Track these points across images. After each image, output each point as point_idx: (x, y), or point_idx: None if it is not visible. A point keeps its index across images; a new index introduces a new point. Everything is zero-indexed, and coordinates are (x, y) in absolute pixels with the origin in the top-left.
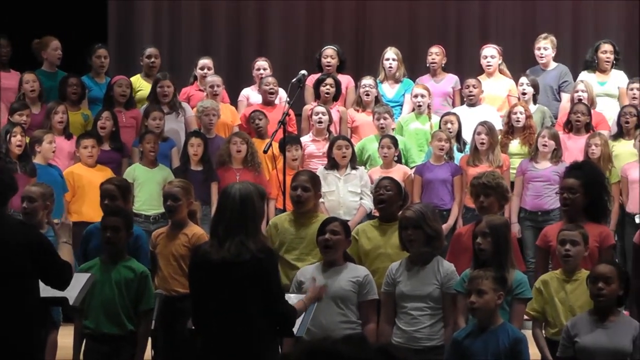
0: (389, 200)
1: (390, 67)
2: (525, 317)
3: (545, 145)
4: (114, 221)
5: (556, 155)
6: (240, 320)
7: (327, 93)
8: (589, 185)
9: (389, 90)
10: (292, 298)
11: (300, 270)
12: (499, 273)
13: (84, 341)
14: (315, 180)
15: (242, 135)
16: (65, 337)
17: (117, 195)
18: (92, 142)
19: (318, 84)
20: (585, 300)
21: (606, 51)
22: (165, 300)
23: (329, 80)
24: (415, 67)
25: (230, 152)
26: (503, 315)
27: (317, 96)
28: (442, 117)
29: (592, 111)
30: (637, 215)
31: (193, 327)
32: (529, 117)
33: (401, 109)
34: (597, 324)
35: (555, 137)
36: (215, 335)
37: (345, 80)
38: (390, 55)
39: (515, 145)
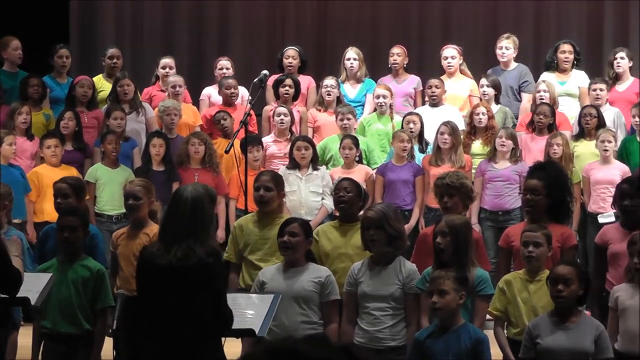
0: (348, 201)
1: (352, 67)
2: (488, 316)
3: (503, 145)
4: (71, 221)
5: (515, 154)
6: (187, 322)
7: (287, 94)
8: (551, 187)
9: (350, 90)
10: (254, 298)
11: (262, 271)
12: (460, 273)
13: (42, 341)
14: (277, 180)
15: (200, 135)
16: (25, 337)
17: (69, 194)
18: (55, 142)
19: (277, 84)
20: (548, 301)
21: (565, 51)
22: (127, 301)
23: (288, 81)
24: (377, 67)
25: (189, 153)
26: (465, 315)
27: (277, 97)
28: (404, 117)
29: (555, 111)
30: (600, 216)
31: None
32: (491, 117)
33: (363, 109)
34: (558, 325)
35: (512, 137)
36: (162, 337)
37: (307, 80)
38: (352, 55)
39: (477, 145)
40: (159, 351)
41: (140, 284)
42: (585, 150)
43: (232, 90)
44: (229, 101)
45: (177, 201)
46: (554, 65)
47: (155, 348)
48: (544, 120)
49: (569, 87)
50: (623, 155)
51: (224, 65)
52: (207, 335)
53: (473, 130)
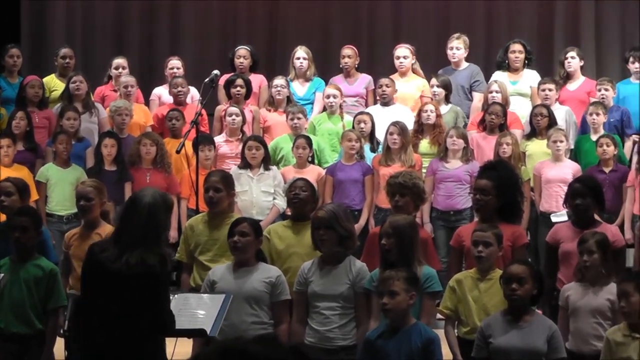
0: (303, 200)
1: (301, 66)
2: (439, 315)
3: (455, 144)
4: (22, 221)
5: (466, 154)
6: (131, 327)
7: (238, 93)
8: (502, 187)
9: (299, 89)
10: (205, 298)
11: (212, 271)
12: (411, 273)
13: None
14: (227, 180)
15: (151, 136)
16: None
17: (12, 192)
18: (7, 142)
19: (228, 84)
20: (498, 300)
21: (515, 51)
22: (79, 301)
23: (239, 81)
24: (328, 67)
25: (140, 153)
26: (413, 312)
27: (229, 96)
28: (355, 116)
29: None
30: (553, 215)
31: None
32: (439, 116)
33: (312, 107)
34: (511, 324)
35: (463, 137)
36: (105, 341)
37: (258, 80)
38: (301, 54)
39: (424, 144)
40: (99, 352)
41: (85, 284)
42: (537, 149)
43: (180, 89)
44: (178, 100)
45: (134, 207)
46: (505, 65)
47: (97, 348)
48: (496, 120)
49: (520, 87)
50: (577, 153)
51: (175, 64)
52: (146, 339)
53: (421, 128)
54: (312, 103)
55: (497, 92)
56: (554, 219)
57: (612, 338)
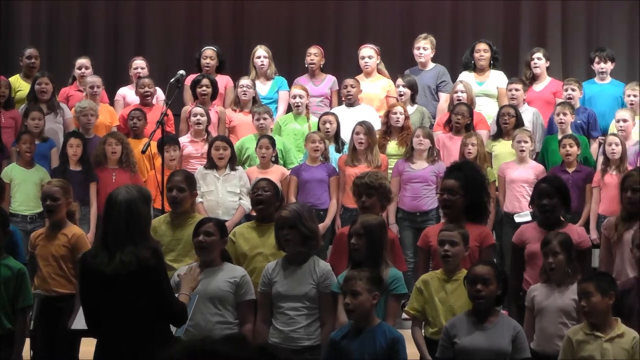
0: (266, 201)
1: (262, 65)
2: (405, 316)
3: (421, 144)
4: None
5: (432, 154)
6: (137, 326)
7: (204, 94)
8: (468, 187)
9: (261, 88)
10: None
11: (177, 271)
12: (373, 273)
13: None
14: (190, 180)
15: (116, 135)
16: None
17: None
18: None
19: (195, 84)
20: (465, 300)
21: (480, 50)
22: (44, 301)
23: (205, 81)
24: (294, 67)
25: (106, 153)
26: (379, 315)
27: (195, 97)
28: (320, 116)
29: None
30: (517, 215)
31: (73, 328)
32: (407, 118)
33: (275, 106)
34: (476, 325)
35: (430, 137)
36: (113, 341)
37: (224, 80)
38: (261, 53)
39: (392, 146)
40: (110, 355)
41: (85, 293)
42: (504, 149)
43: (147, 89)
44: (144, 101)
45: (112, 206)
46: (471, 66)
47: (105, 353)
48: (462, 121)
49: (487, 87)
50: (544, 154)
51: (139, 65)
52: (157, 337)
53: (389, 130)
54: (275, 102)
55: (462, 92)
56: (517, 219)
57: (574, 337)
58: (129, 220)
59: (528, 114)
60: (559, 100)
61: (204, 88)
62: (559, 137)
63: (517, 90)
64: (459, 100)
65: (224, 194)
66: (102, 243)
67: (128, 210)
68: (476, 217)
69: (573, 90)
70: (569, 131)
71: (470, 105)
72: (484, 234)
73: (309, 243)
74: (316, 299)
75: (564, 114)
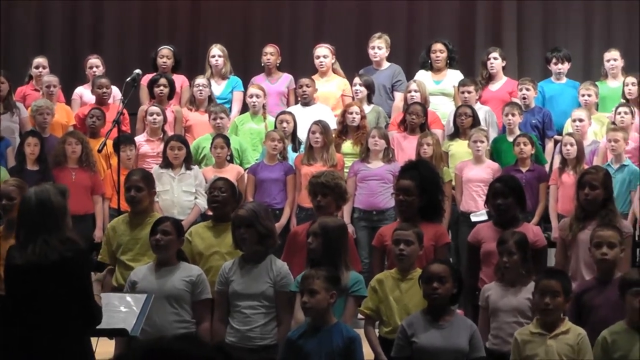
0: (222, 201)
1: (217, 64)
2: (360, 315)
3: (376, 144)
4: None
5: (388, 154)
6: (50, 319)
7: (161, 93)
8: (423, 186)
9: (216, 88)
10: (127, 298)
11: (133, 271)
12: (331, 272)
13: None
14: (148, 180)
15: (76, 135)
16: None
17: None
18: None
19: (152, 84)
20: (419, 300)
21: (436, 50)
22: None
23: (162, 81)
24: (250, 66)
25: (65, 152)
26: (339, 316)
27: (152, 96)
28: (277, 116)
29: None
30: (473, 214)
31: None
32: (363, 117)
33: (230, 105)
34: (432, 323)
35: (385, 137)
36: (29, 335)
37: (180, 80)
38: (216, 52)
39: (348, 145)
40: (26, 350)
41: (6, 285)
42: (460, 149)
43: (105, 89)
44: (101, 100)
45: (23, 202)
46: (428, 65)
47: (23, 347)
48: (416, 120)
49: (444, 86)
50: (495, 154)
51: (94, 63)
52: (74, 333)
53: (345, 129)
54: (229, 102)
55: (415, 91)
56: (473, 218)
57: (519, 337)
58: (42, 212)
59: (481, 113)
60: (514, 100)
61: (162, 87)
62: (509, 137)
63: (469, 92)
64: (412, 99)
65: (179, 194)
66: (16, 238)
67: (39, 201)
68: (431, 216)
69: (527, 89)
70: (517, 131)
71: (424, 104)
72: (439, 233)
73: (265, 242)
74: (273, 297)
75: (512, 115)
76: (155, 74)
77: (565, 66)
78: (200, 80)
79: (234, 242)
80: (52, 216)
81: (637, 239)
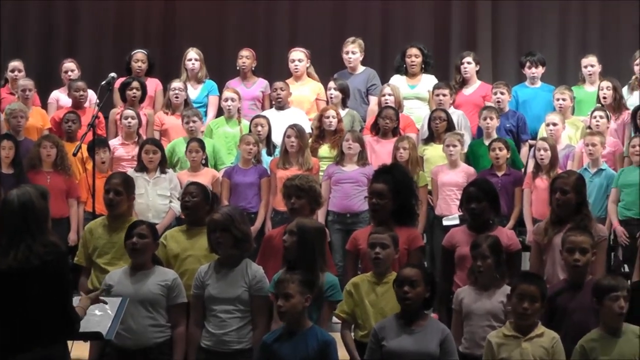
0: (194, 206)
1: (193, 68)
2: (336, 319)
3: (350, 148)
4: None
5: (362, 157)
6: (31, 325)
7: (134, 96)
8: (397, 190)
9: (191, 92)
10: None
11: (109, 274)
12: (306, 276)
13: None
14: (127, 184)
15: (51, 138)
16: None
17: None
18: None
19: (124, 87)
20: (395, 303)
21: (411, 55)
22: None
23: (135, 84)
24: (225, 70)
25: (40, 156)
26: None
27: (124, 99)
28: (252, 120)
29: (400, 115)
30: (445, 218)
31: None
32: (340, 121)
33: (205, 109)
34: (404, 328)
35: (359, 140)
36: (7, 341)
37: (154, 83)
38: (192, 55)
39: (325, 148)
40: (8, 354)
41: None
42: (435, 153)
43: (82, 92)
44: (78, 104)
45: (5, 205)
46: (402, 69)
47: (4, 351)
48: (389, 124)
49: (419, 91)
50: (471, 158)
51: (69, 67)
52: (52, 339)
53: (321, 133)
54: (205, 106)
55: (389, 95)
56: (445, 222)
57: (493, 340)
58: (24, 216)
59: (454, 117)
60: (488, 104)
61: (134, 91)
62: (486, 141)
63: (444, 95)
64: (386, 103)
65: (154, 197)
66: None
67: (22, 206)
68: (404, 220)
69: (502, 93)
70: (495, 135)
71: (397, 108)
72: (412, 237)
73: (241, 246)
74: (248, 302)
75: (490, 119)
76: (127, 77)
77: (539, 70)
78: (176, 84)
79: (210, 246)
80: (35, 219)
81: (611, 243)
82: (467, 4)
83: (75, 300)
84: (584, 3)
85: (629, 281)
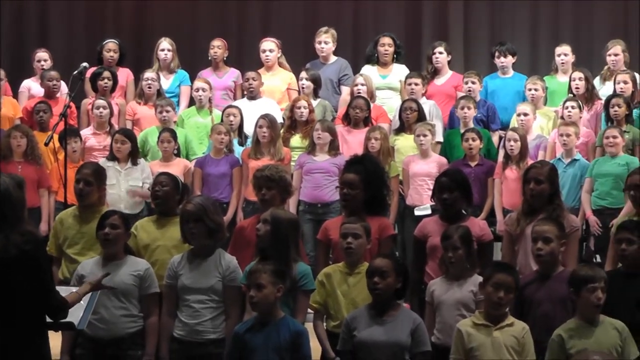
0: (164, 196)
1: (165, 58)
2: (309, 309)
3: (320, 138)
4: None
5: (333, 147)
6: (9, 314)
7: (105, 86)
8: (368, 180)
9: (163, 81)
10: (74, 290)
11: (81, 264)
12: (278, 266)
13: None
14: (99, 174)
15: (21, 128)
16: None
17: None
18: None
19: (95, 77)
20: (367, 294)
21: (384, 44)
22: None
23: (106, 74)
24: (196, 60)
25: (11, 146)
26: (286, 311)
27: (95, 89)
28: (224, 109)
29: (371, 105)
30: (417, 208)
31: None
32: (311, 111)
33: (177, 99)
34: (375, 318)
35: (330, 130)
36: None
37: (125, 73)
38: (165, 45)
39: (296, 139)
40: None
41: None
42: (406, 143)
43: (55, 82)
44: (50, 93)
45: None
46: (374, 59)
47: None
48: (360, 114)
49: (390, 81)
50: (447, 148)
51: (42, 57)
52: (31, 328)
53: (293, 124)
54: (176, 96)
55: (362, 85)
56: (416, 212)
57: (464, 329)
58: (3, 205)
59: (426, 107)
60: (460, 94)
61: (105, 80)
62: (462, 130)
63: (416, 84)
64: (358, 93)
65: (126, 188)
66: None
67: (1, 195)
68: (376, 210)
69: (473, 83)
70: (471, 125)
71: (368, 98)
72: (383, 226)
73: (214, 236)
74: (222, 292)
75: (468, 108)
76: (98, 67)
77: (509, 60)
78: (149, 74)
79: (183, 236)
80: (12, 208)
81: (584, 233)
82: None
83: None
84: None
85: None
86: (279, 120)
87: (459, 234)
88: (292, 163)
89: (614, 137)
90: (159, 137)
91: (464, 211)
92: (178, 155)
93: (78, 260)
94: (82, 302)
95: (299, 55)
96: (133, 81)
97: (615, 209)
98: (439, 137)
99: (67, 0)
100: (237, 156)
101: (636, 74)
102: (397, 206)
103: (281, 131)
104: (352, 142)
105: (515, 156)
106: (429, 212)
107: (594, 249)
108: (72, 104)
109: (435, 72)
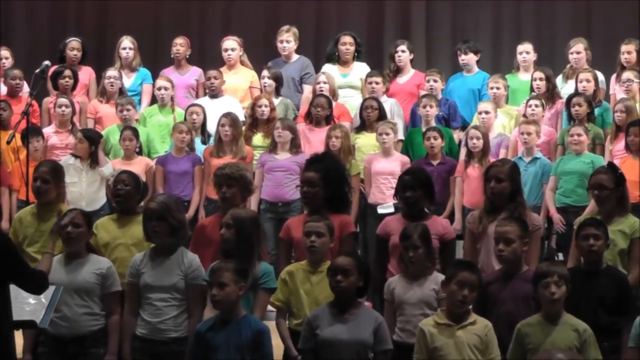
0: (125, 194)
1: (127, 56)
2: (270, 307)
3: (280, 136)
4: None
5: (294, 145)
6: None
7: (66, 84)
8: (329, 178)
9: (125, 80)
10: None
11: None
12: (240, 265)
13: None
14: (56, 172)
15: None
16: None
17: None
18: None
19: (56, 75)
20: (330, 292)
21: (345, 43)
22: None
23: (67, 72)
24: (159, 58)
25: None
26: (247, 309)
27: (55, 87)
28: (187, 108)
29: (333, 103)
30: (379, 207)
31: None
32: (273, 109)
33: (139, 98)
34: (337, 316)
35: (290, 128)
36: None
37: (87, 72)
38: (127, 44)
39: (258, 137)
40: None
41: None
42: (367, 142)
43: (18, 81)
44: (13, 92)
45: None
46: (335, 58)
47: None
48: (321, 112)
49: (351, 79)
50: (409, 146)
51: (4, 55)
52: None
53: (255, 122)
54: (138, 94)
55: (324, 83)
56: (379, 210)
57: (426, 328)
58: None
59: (387, 105)
60: (422, 93)
61: (67, 79)
62: (423, 129)
63: (377, 83)
64: (320, 91)
65: (87, 186)
66: None
67: None
68: (337, 208)
69: (435, 81)
70: (433, 123)
71: (329, 96)
72: (344, 222)
73: (177, 234)
74: (184, 290)
75: (430, 107)
76: (59, 65)
77: (470, 57)
78: (111, 72)
79: (145, 234)
80: None
81: (546, 231)
82: None
83: None
84: None
85: None
86: (241, 118)
87: (418, 233)
88: (255, 161)
89: (579, 135)
90: (120, 135)
91: (426, 209)
92: (140, 153)
93: (38, 258)
94: (43, 300)
95: (261, 54)
96: (95, 79)
97: (579, 207)
98: (400, 135)
99: None
100: (199, 154)
101: (598, 73)
102: (358, 204)
103: (243, 129)
104: (314, 141)
105: (477, 153)
106: (392, 210)
107: (556, 247)
108: (34, 102)
109: (398, 71)
